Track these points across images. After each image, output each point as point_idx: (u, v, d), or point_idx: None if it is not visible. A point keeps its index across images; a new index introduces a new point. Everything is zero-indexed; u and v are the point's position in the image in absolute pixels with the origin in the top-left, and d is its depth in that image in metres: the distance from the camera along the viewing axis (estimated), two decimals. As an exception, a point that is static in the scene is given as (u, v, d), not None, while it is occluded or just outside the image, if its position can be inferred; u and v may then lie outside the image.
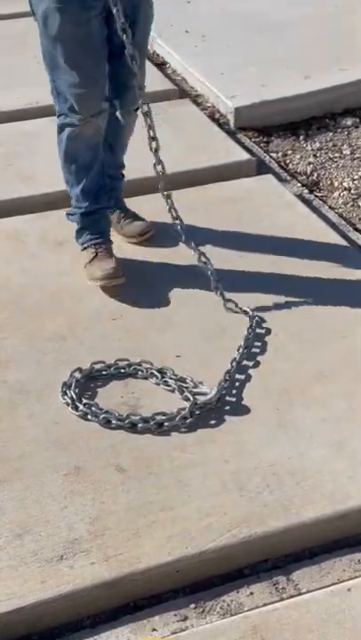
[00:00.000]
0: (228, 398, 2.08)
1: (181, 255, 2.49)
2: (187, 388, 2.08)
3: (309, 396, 2.09)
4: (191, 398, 2.03)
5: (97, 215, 2.47)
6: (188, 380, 2.10)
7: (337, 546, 1.81)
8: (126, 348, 2.21)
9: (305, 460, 1.92)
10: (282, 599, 1.69)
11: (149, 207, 2.63)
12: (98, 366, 2.13)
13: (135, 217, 2.62)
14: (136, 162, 2.59)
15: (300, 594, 1.70)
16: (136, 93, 2.27)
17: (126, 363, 2.14)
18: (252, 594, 1.71)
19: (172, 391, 2.08)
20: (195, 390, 2.07)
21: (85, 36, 2.23)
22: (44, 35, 2.27)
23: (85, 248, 2.46)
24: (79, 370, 2.11)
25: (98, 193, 2.46)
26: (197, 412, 2.02)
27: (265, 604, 1.67)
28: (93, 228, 2.47)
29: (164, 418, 1.99)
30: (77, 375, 2.10)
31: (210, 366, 2.16)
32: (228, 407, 2.06)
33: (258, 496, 1.83)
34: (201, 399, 2.04)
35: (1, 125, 3.28)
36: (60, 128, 2.40)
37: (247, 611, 1.67)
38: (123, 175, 2.62)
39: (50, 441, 1.96)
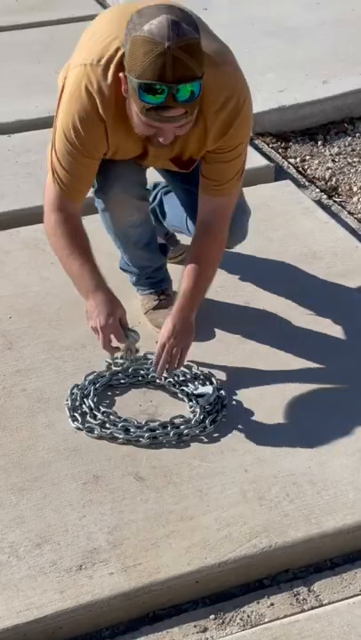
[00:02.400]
0: (246, 406, 2.07)
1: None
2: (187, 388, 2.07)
3: (330, 405, 2.07)
4: (193, 400, 2.03)
5: (153, 274, 2.31)
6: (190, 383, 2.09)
7: (359, 556, 1.79)
8: (151, 349, 2.20)
9: (325, 469, 1.90)
10: (303, 610, 1.67)
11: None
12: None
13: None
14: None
15: (321, 605, 1.69)
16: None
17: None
18: (272, 605, 1.69)
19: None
20: (196, 392, 2.06)
21: None
22: None
23: (144, 294, 2.32)
24: (76, 386, 2.09)
25: (149, 258, 2.28)
26: (217, 419, 2.00)
27: (286, 616, 1.66)
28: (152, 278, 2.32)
29: (181, 420, 1.98)
30: (75, 391, 2.08)
31: (231, 374, 2.15)
32: (247, 415, 2.05)
33: (278, 506, 1.82)
34: (201, 401, 2.03)
35: (21, 134, 3.29)
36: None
37: (268, 622, 1.65)
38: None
39: (69, 449, 1.96)
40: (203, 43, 1.74)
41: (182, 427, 1.98)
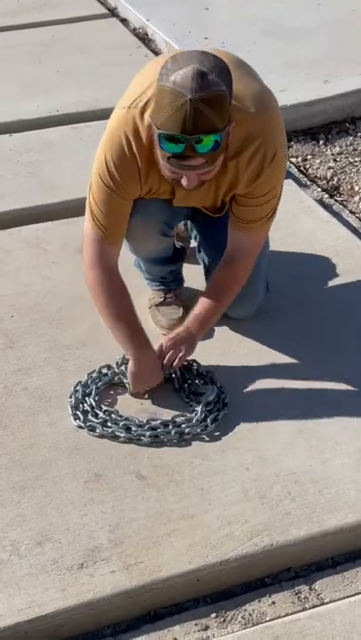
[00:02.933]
0: (247, 405, 2.07)
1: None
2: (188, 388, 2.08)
3: (331, 403, 2.07)
4: (194, 399, 2.04)
5: (167, 275, 2.34)
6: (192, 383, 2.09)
7: (360, 555, 1.78)
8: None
9: (327, 467, 1.90)
10: (304, 609, 1.67)
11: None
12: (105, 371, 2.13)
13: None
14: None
15: (323, 604, 1.68)
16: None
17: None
18: (273, 603, 1.69)
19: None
20: (194, 390, 2.07)
21: None
22: None
23: (154, 289, 2.35)
24: (79, 383, 2.10)
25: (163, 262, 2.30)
26: (218, 417, 2.01)
27: (287, 614, 1.66)
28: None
29: (182, 419, 1.99)
30: (79, 388, 2.09)
31: (231, 372, 2.15)
32: (248, 414, 2.05)
33: (279, 504, 1.81)
34: (201, 399, 2.03)
35: (22, 134, 3.29)
36: None
37: (269, 620, 1.65)
38: None
39: (70, 448, 1.96)
40: (240, 86, 1.75)
41: (183, 425, 1.98)
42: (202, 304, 2.09)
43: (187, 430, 1.97)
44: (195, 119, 1.66)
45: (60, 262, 2.61)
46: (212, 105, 1.67)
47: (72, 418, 2.02)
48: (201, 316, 2.08)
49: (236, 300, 2.16)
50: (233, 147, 1.83)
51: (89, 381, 2.10)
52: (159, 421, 1.99)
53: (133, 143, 1.87)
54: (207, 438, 1.98)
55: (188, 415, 2.02)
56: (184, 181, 1.80)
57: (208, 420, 1.99)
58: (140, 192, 1.97)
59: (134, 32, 4.20)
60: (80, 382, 2.10)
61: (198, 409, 2.01)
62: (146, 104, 1.85)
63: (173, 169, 1.77)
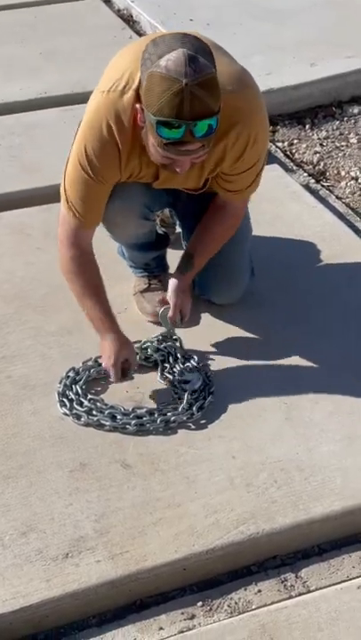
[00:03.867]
0: (234, 393, 2.06)
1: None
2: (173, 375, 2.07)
3: (318, 391, 2.06)
4: (179, 387, 2.03)
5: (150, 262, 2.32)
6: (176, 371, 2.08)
7: (347, 542, 1.78)
8: (132, 338, 2.18)
9: (313, 455, 1.89)
10: (291, 597, 1.67)
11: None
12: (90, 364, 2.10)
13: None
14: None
15: (309, 591, 1.68)
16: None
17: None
18: (260, 591, 1.69)
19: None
20: (180, 378, 2.06)
21: None
22: None
23: (138, 276, 2.34)
24: (73, 369, 2.08)
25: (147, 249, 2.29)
26: (204, 405, 1.99)
27: (273, 602, 1.65)
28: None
29: (168, 407, 1.98)
30: (71, 374, 2.07)
31: (218, 360, 2.14)
32: (234, 402, 2.03)
33: (265, 492, 1.81)
34: (187, 387, 2.02)
35: (5, 117, 3.24)
36: None
37: (255, 609, 1.64)
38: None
39: (55, 437, 1.94)
40: (219, 67, 1.73)
41: (169, 414, 1.97)
42: (193, 245, 2.11)
43: (172, 418, 1.96)
44: (192, 104, 1.64)
45: (45, 248, 2.57)
46: (207, 88, 1.65)
47: (58, 405, 2.00)
48: (195, 263, 2.10)
49: (221, 286, 2.15)
50: (220, 126, 1.80)
51: (80, 369, 2.08)
52: (145, 409, 1.97)
53: (114, 128, 1.84)
54: (193, 426, 1.97)
55: (174, 404, 2.00)
56: (177, 167, 1.79)
57: (194, 409, 1.98)
58: (120, 177, 1.95)
59: (119, 13, 4.14)
60: (73, 369, 2.08)
61: (184, 397, 2.00)
62: (125, 87, 1.82)
63: (169, 155, 1.75)
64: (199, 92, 1.64)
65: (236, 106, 1.83)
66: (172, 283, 2.12)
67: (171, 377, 2.08)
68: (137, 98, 1.78)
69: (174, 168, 1.80)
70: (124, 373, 2.04)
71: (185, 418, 1.97)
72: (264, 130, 1.95)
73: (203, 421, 1.98)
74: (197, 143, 1.72)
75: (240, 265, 2.20)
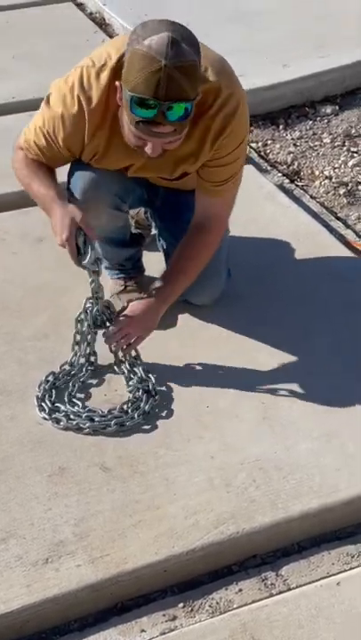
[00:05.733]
0: (211, 393, 2.06)
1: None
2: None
3: (293, 389, 2.07)
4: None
5: (125, 262, 2.31)
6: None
7: (326, 539, 1.80)
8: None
9: (291, 453, 1.90)
10: (271, 595, 1.68)
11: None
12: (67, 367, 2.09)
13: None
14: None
15: (289, 589, 1.69)
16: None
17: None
18: (240, 591, 1.69)
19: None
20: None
21: None
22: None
23: (113, 278, 2.32)
24: (52, 374, 2.08)
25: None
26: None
27: (254, 601, 1.66)
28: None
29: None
30: (51, 379, 2.06)
31: (194, 359, 2.14)
32: (212, 403, 2.04)
33: (244, 492, 1.81)
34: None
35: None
36: None
37: (236, 608, 1.65)
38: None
39: (33, 442, 1.93)
40: (203, 52, 1.75)
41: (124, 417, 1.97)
42: (170, 273, 2.06)
43: (146, 408, 1.97)
44: (168, 85, 1.66)
45: (21, 251, 2.57)
46: (186, 74, 1.67)
47: (37, 409, 1.99)
48: (168, 287, 2.05)
49: (198, 286, 2.14)
50: (201, 106, 1.81)
51: (60, 374, 2.07)
52: (118, 408, 1.98)
53: (84, 102, 1.87)
54: (171, 428, 1.97)
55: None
56: (148, 149, 1.78)
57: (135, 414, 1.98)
58: (82, 150, 1.96)
59: (91, 17, 4.13)
60: (53, 373, 2.07)
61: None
62: (102, 66, 1.85)
63: (140, 134, 1.76)
64: (177, 75, 1.65)
65: (216, 84, 1.85)
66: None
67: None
68: (117, 76, 1.78)
69: (145, 151, 1.79)
70: (81, 251, 1.91)
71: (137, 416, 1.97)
72: (244, 106, 1.93)
73: (181, 423, 1.98)
74: (169, 126, 1.72)
75: (217, 266, 2.21)
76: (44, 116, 1.96)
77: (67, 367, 2.09)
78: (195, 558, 1.71)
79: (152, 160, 1.85)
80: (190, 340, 2.23)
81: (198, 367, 2.14)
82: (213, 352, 2.18)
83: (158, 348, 2.16)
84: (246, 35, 3.76)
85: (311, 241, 2.61)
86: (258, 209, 2.73)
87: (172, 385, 2.08)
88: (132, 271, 2.34)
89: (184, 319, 2.29)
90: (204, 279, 2.15)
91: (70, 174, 2.10)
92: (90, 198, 2.04)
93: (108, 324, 2.05)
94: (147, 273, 2.38)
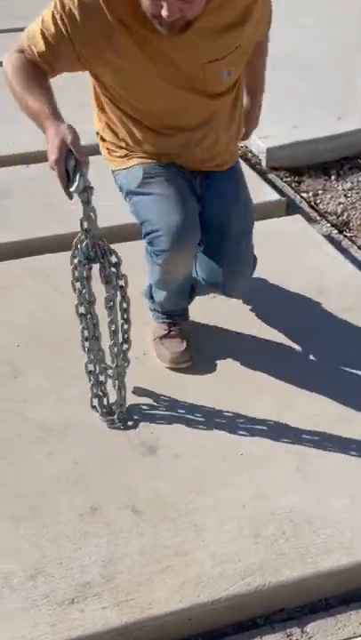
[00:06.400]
0: (246, 441, 2.06)
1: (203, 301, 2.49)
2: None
3: (331, 440, 2.06)
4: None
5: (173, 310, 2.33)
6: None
7: (354, 598, 1.76)
8: (149, 384, 2.21)
9: (323, 507, 1.88)
10: (295, 652, 1.65)
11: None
12: None
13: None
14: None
15: (314, 647, 1.66)
16: None
17: None
18: (265, 645, 1.67)
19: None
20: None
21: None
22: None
23: (158, 322, 2.33)
24: None
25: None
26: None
27: (278, 657, 1.64)
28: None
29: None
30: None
31: (231, 403, 2.16)
32: (246, 451, 2.04)
33: (274, 544, 1.80)
34: None
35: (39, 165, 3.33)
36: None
37: (259, 663, 1.63)
38: None
39: (68, 480, 1.96)
40: None
41: None
42: (251, 88, 2.25)
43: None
44: None
45: (65, 291, 2.61)
46: None
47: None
48: (255, 99, 2.28)
49: (232, 277, 2.16)
50: None
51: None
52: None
53: None
54: (204, 473, 1.97)
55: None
56: (164, 11, 1.74)
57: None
58: (100, 54, 1.85)
59: None
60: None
61: None
62: None
63: None
64: None
65: None
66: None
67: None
68: None
69: (164, 17, 1.72)
70: (71, 177, 1.73)
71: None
72: None
73: (214, 469, 1.99)
74: None
75: (248, 252, 2.20)
76: (56, 3, 1.82)
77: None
78: (220, 608, 1.70)
79: (189, 43, 1.82)
80: (230, 384, 2.24)
81: (234, 412, 2.14)
82: (251, 397, 2.18)
83: (198, 389, 2.18)
84: (301, 87, 3.83)
85: (357, 292, 2.60)
86: (305, 259, 2.75)
87: (207, 429, 2.09)
88: (178, 317, 2.36)
89: (225, 365, 2.30)
90: (236, 263, 2.15)
91: (138, 213, 2.07)
92: (186, 237, 2.02)
93: (101, 260, 1.89)
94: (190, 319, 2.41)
